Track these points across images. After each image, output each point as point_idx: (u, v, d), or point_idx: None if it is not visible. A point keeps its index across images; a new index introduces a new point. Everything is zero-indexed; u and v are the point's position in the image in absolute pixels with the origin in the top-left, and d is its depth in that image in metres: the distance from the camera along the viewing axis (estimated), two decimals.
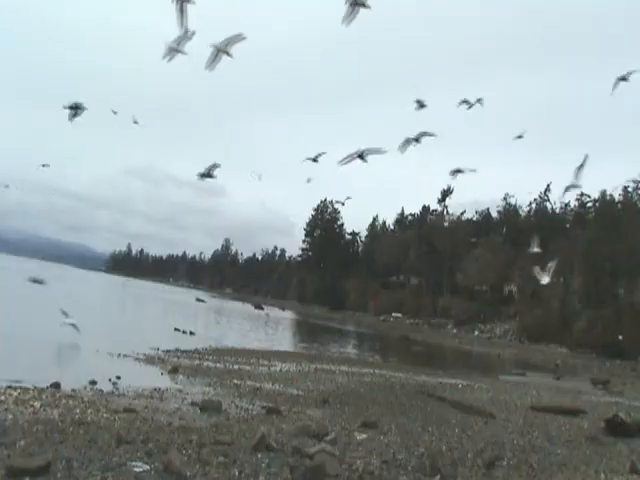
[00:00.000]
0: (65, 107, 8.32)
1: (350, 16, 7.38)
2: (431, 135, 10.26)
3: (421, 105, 10.47)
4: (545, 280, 11.97)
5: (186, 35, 7.56)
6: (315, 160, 10.62)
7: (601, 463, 9.57)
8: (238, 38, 7.77)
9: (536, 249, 13.60)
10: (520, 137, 12.06)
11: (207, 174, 9.95)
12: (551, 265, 12.10)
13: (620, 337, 50.50)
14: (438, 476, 7.45)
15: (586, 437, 11.95)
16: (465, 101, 10.40)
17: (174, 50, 7.71)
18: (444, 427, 11.59)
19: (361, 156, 9.56)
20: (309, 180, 11.51)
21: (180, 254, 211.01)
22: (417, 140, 10.27)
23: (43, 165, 15.49)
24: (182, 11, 7.28)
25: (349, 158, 9.62)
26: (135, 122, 13.64)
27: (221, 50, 7.68)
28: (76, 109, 8.32)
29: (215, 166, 9.90)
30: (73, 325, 18.66)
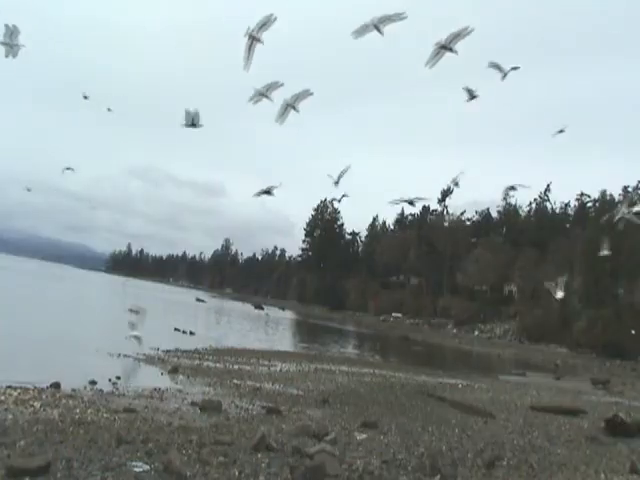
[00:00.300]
0: (182, 124, 8.66)
1: (435, 58, 7.72)
2: (463, 174, 10.63)
3: (472, 96, 9.45)
4: (559, 295, 12.06)
5: (276, 83, 8.16)
6: (337, 182, 10.75)
7: (601, 463, 9.57)
8: (306, 94, 8.32)
9: (606, 251, 13.29)
10: (562, 132, 11.06)
11: (266, 192, 10.12)
12: (561, 280, 12.19)
13: (633, 332, 49.83)
14: (438, 476, 7.45)
15: (586, 437, 11.96)
16: (497, 66, 9.02)
17: (262, 95, 8.18)
18: (444, 427, 11.59)
19: (411, 202, 9.94)
20: (339, 199, 11.67)
21: (180, 254, 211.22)
22: (457, 184, 10.70)
23: (67, 168, 15.47)
24: (250, 49, 7.68)
25: (399, 201, 10.09)
26: (109, 110, 14.00)
27: (290, 105, 8.24)
28: (193, 125, 8.62)
29: (274, 187, 10.11)
30: (137, 338, 19.07)
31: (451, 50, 7.60)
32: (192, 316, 46.64)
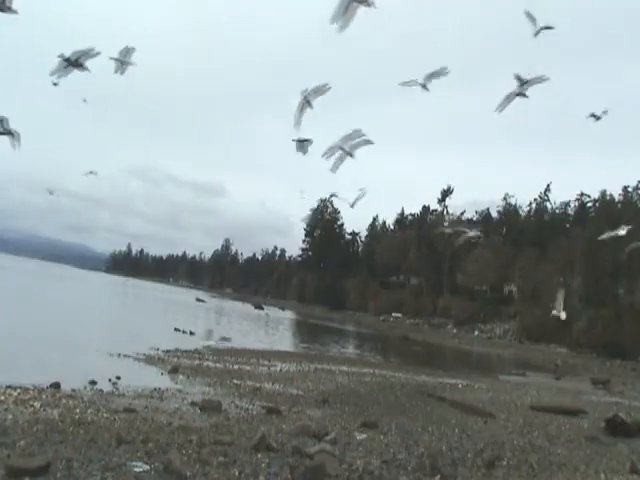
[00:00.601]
0: (294, 140, 8.97)
1: (505, 103, 8.27)
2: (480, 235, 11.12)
3: (522, 82, 8.78)
4: (563, 316, 12.14)
5: (357, 134, 8.68)
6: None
7: (601, 463, 9.57)
8: (366, 142, 8.74)
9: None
10: (599, 118, 9.90)
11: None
12: (560, 296, 12.21)
13: None
14: (438, 476, 7.45)
15: (586, 437, 11.95)
16: (531, 16, 8.46)
17: (339, 149, 8.67)
18: (444, 427, 11.59)
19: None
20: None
21: (180, 254, 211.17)
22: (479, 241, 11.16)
23: (90, 172, 15.52)
24: (302, 109, 8.19)
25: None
26: (84, 101, 14.22)
27: (346, 151, 8.70)
28: (304, 141, 8.97)
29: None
30: (209, 347, 22.36)
31: (524, 95, 8.05)
32: (192, 316, 46.63)
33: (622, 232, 10.69)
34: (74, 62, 7.71)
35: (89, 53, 7.70)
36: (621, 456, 10.26)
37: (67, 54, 7.67)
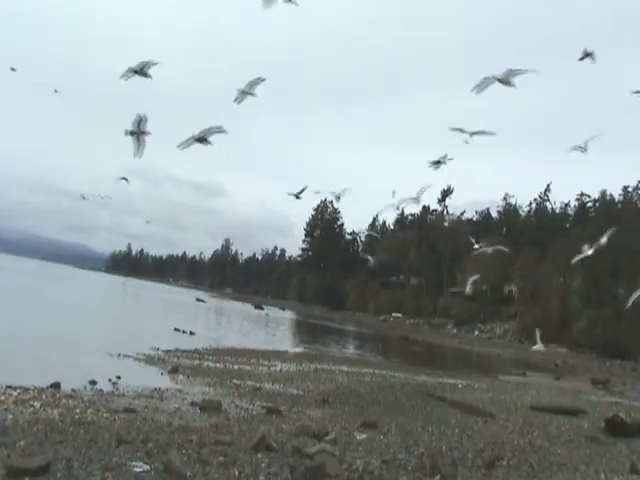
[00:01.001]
0: (431, 162, 9.33)
1: (571, 151, 9.17)
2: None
3: (587, 54, 8.46)
4: (543, 348, 12.54)
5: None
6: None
7: (601, 463, 9.57)
8: (422, 190, 9.73)
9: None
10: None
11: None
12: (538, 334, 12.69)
13: None
14: (438, 476, 7.46)
15: (586, 437, 11.96)
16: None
17: (400, 204, 9.94)
18: (444, 427, 11.59)
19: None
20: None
21: (180, 254, 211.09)
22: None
23: (123, 178, 15.61)
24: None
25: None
26: (55, 91, 14.43)
27: (405, 203, 10.08)
28: (438, 163, 9.22)
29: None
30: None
31: (584, 150, 8.92)
32: (192, 316, 46.65)
33: (589, 252, 11.38)
34: (202, 138, 7.76)
35: (210, 133, 7.76)
36: (621, 456, 10.27)
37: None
